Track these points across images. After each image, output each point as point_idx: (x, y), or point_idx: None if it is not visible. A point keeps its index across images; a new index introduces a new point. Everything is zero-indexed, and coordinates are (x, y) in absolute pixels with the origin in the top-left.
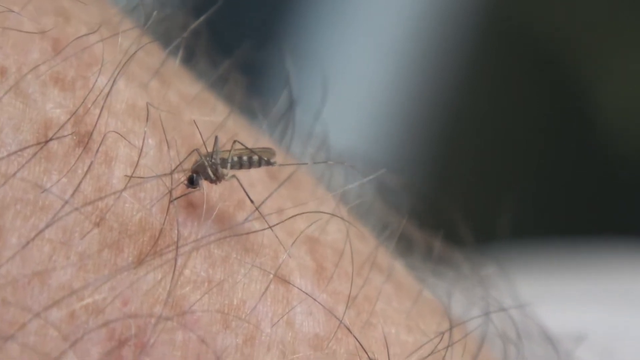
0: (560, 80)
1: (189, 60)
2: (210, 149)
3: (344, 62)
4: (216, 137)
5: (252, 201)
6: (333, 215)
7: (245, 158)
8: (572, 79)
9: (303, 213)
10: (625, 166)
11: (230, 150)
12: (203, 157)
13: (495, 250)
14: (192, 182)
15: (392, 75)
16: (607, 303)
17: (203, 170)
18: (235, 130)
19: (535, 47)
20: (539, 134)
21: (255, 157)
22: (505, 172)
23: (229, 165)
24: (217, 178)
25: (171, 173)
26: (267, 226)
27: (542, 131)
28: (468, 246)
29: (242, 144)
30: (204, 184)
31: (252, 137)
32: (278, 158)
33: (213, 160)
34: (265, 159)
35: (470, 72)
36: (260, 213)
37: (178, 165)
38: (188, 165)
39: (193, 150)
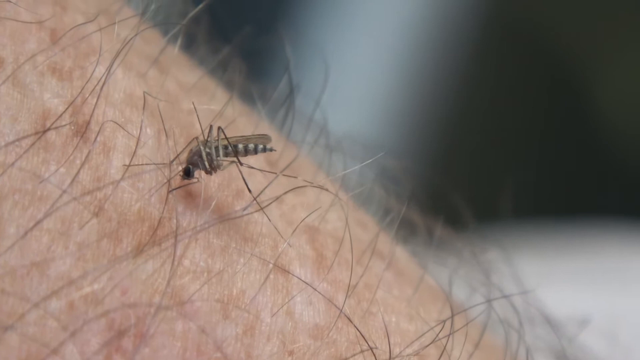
0: (560, 69)
1: (188, 46)
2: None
3: (344, 48)
4: (210, 126)
5: (250, 190)
6: (335, 195)
7: (240, 146)
8: (573, 76)
9: (302, 187)
10: (622, 152)
11: (219, 140)
12: (201, 146)
13: (496, 232)
14: (187, 174)
15: (393, 62)
16: (602, 283)
17: (198, 161)
18: (235, 117)
19: (537, 37)
20: (538, 122)
21: (251, 145)
22: (505, 161)
23: (222, 154)
24: (212, 168)
25: (169, 163)
26: (266, 217)
27: (541, 119)
28: (469, 230)
29: (229, 135)
30: (202, 174)
31: (252, 123)
32: (277, 145)
33: (207, 150)
34: (262, 146)
35: (471, 62)
36: (258, 203)
37: (177, 156)
38: (186, 155)
39: (193, 139)
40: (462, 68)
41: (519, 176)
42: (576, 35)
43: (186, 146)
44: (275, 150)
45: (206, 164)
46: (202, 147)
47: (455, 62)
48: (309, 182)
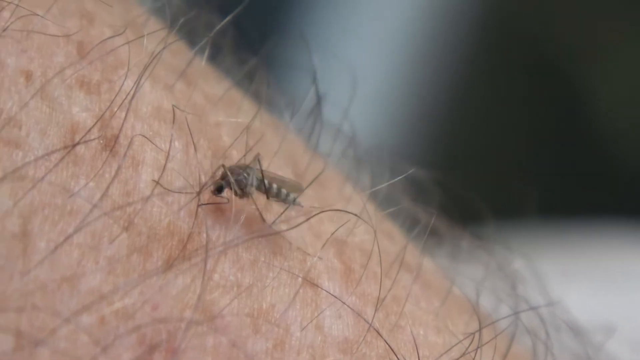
0: (559, 69)
1: (214, 58)
2: (237, 155)
3: (367, 57)
4: (258, 154)
5: (264, 220)
6: (358, 217)
7: (275, 188)
8: (573, 75)
9: (328, 210)
10: (621, 151)
11: (261, 172)
12: (228, 173)
13: (518, 229)
14: (219, 191)
15: (415, 71)
16: (603, 283)
17: (234, 181)
18: (262, 130)
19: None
20: (537, 123)
21: (284, 191)
22: (504, 162)
23: (254, 186)
24: (243, 194)
25: (199, 192)
26: (294, 230)
27: (541, 120)
28: (495, 237)
29: (276, 175)
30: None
31: (279, 136)
32: (303, 158)
33: (246, 175)
34: (293, 197)
35: (473, 63)
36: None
37: (205, 183)
38: (215, 177)
39: (219, 167)
40: (461, 71)
41: (519, 177)
42: (576, 35)
43: (214, 171)
44: (302, 207)
45: (237, 188)
46: (233, 172)
47: (454, 64)
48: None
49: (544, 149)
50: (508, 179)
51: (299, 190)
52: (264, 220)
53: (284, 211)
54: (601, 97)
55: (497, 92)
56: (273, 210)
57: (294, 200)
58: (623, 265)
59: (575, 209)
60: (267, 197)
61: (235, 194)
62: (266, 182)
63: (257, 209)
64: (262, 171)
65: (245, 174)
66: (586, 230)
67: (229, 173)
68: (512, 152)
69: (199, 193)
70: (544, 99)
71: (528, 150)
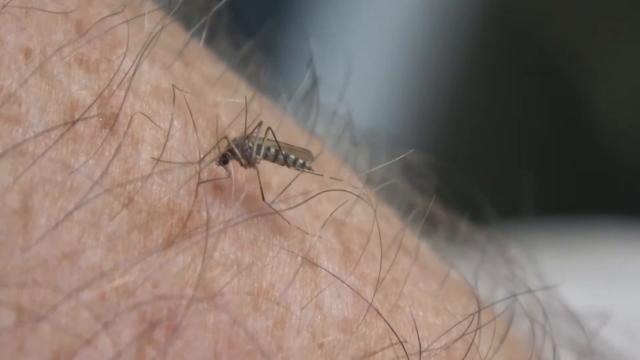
0: (560, 69)
1: (210, 40)
2: (236, 134)
3: (363, 41)
4: (260, 123)
5: (264, 200)
6: (359, 197)
7: (282, 154)
8: (572, 74)
9: (329, 190)
10: (621, 151)
11: (264, 139)
12: (231, 143)
13: (517, 228)
14: (224, 162)
15: (413, 56)
16: (601, 282)
17: (238, 152)
18: (260, 112)
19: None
20: (537, 122)
21: (292, 156)
22: (503, 160)
23: (262, 154)
24: (248, 163)
25: (200, 161)
26: (293, 209)
27: (541, 119)
28: (491, 224)
29: (284, 143)
30: (233, 165)
31: (276, 118)
32: (301, 140)
33: (250, 144)
34: (302, 161)
35: (473, 61)
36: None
37: (208, 153)
38: (215, 151)
39: (222, 138)
40: (460, 68)
41: (517, 176)
42: (576, 35)
43: (216, 144)
44: (312, 171)
45: (242, 157)
46: (238, 141)
47: (455, 61)
48: (336, 178)
49: (543, 148)
50: (507, 177)
51: (309, 157)
52: (264, 199)
53: (295, 177)
54: (601, 97)
55: (497, 91)
56: (272, 189)
57: (304, 164)
58: (621, 265)
59: (574, 208)
60: (275, 162)
61: (241, 164)
62: (273, 149)
63: (260, 187)
64: (272, 132)
65: (250, 144)
66: (584, 229)
67: (232, 144)
68: (511, 151)
69: (199, 171)
70: (543, 98)
71: (526, 149)
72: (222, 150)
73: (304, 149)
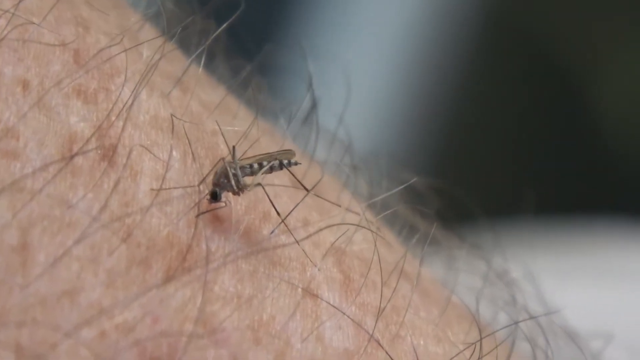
0: (559, 68)
1: (208, 64)
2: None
3: (361, 61)
4: (233, 147)
5: (278, 213)
6: (360, 226)
7: (265, 163)
8: (572, 74)
9: (330, 226)
10: (620, 150)
11: (245, 159)
12: (227, 166)
13: (517, 228)
14: (214, 197)
15: (412, 64)
16: (600, 281)
17: (224, 184)
18: (259, 137)
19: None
20: (537, 121)
21: (276, 162)
22: (503, 160)
23: (247, 172)
24: (239, 189)
25: (198, 185)
26: (294, 239)
27: (541, 118)
28: (490, 245)
29: (254, 153)
30: (229, 196)
31: (276, 142)
32: (302, 160)
33: (233, 172)
34: (286, 160)
35: (473, 61)
36: (287, 226)
37: (204, 178)
38: (212, 178)
39: (219, 160)
40: (460, 70)
41: (517, 175)
42: (575, 34)
43: (212, 167)
44: (300, 164)
45: (233, 184)
46: (228, 168)
47: (453, 64)
48: (335, 203)
49: (543, 148)
50: (506, 177)
51: (292, 155)
52: (278, 212)
53: (295, 207)
54: (601, 97)
55: (497, 91)
56: (272, 219)
57: (289, 162)
58: (621, 264)
59: (574, 207)
60: (262, 171)
61: (234, 192)
62: (255, 164)
63: (271, 202)
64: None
65: (232, 170)
66: (584, 228)
67: (227, 168)
68: (510, 151)
69: (197, 203)
70: (543, 98)
71: (526, 148)
72: (209, 187)
73: (284, 150)
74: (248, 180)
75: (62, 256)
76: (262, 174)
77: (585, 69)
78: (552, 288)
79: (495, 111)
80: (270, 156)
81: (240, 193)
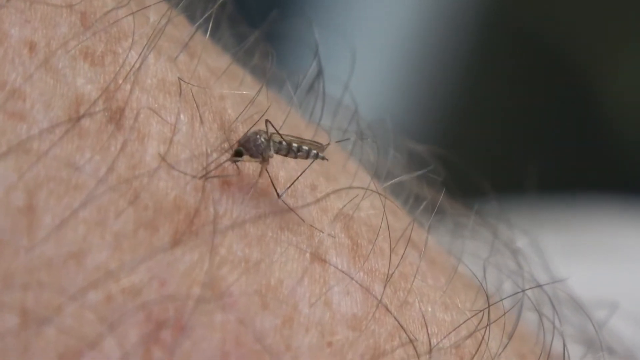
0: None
1: (214, 32)
2: (243, 128)
3: (366, 30)
4: (267, 121)
5: (278, 194)
6: (368, 190)
7: (295, 146)
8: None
9: (338, 190)
10: (623, 129)
11: (276, 135)
12: (261, 134)
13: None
14: (238, 155)
15: (417, 45)
16: (596, 257)
17: (250, 147)
18: (266, 104)
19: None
20: (543, 112)
21: (305, 147)
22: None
23: (273, 148)
24: (263, 158)
25: (206, 166)
26: (302, 203)
27: (545, 110)
28: (496, 215)
29: (293, 136)
30: (240, 165)
31: (282, 111)
32: (308, 132)
33: (262, 139)
34: (315, 151)
35: (475, 58)
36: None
37: (216, 149)
38: (224, 145)
39: (260, 118)
40: (465, 48)
41: (520, 152)
42: (581, 32)
43: (251, 126)
44: (327, 160)
45: (262, 151)
46: (261, 135)
47: (458, 40)
48: (356, 187)
49: (547, 126)
50: (510, 154)
51: (320, 149)
52: (278, 195)
53: (308, 165)
54: (606, 92)
55: (501, 72)
56: (280, 183)
57: (317, 155)
58: (623, 241)
59: (577, 185)
60: (287, 156)
61: (253, 159)
62: (285, 143)
63: (272, 183)
64: (274, 127)
65: (262, 138)
66: (588, 206)
67: (262, 134)
68: (515, 129)
69: (206, 167)
70: (547, 80)
71: (530, 127)
72: (234, 145)
73: (314, 141)
74: (271, 153)
75: (69, 218)
76: (287, 156)
77: (589, 66)
78: (554, 263)
79: (502, 89)
80: (302, 142)
81: (260, 162)
